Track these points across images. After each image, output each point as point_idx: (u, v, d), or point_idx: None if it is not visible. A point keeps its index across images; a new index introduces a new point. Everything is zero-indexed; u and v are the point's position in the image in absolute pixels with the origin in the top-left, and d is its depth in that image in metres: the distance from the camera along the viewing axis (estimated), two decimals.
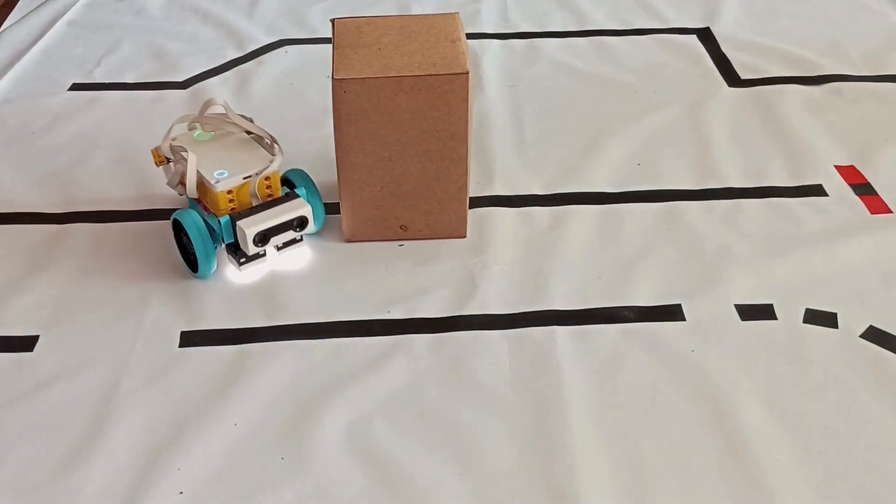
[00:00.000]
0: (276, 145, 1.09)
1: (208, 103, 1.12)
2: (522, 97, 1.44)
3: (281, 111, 1.41)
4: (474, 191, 1.21)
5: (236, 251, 1.05)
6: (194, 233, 1.03)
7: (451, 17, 1.12)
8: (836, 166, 1.26)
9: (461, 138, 1.06)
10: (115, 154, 1.31)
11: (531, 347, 0.99)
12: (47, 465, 0.87)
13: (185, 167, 1.05)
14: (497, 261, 1.10)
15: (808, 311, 1.03)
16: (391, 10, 1.70)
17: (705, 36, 1.61)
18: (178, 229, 1.07)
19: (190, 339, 1.00)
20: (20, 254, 1.12)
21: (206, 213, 1.07)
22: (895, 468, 0.86)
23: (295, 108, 1.41)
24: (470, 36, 1.55)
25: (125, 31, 1.63)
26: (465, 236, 1.14)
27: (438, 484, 0.85)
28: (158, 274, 1.09)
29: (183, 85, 1.47)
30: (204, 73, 1.50)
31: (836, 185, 1.23)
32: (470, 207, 1.15)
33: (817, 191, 1.22)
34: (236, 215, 1.03)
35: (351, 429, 0.90)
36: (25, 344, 1.00)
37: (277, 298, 1.05)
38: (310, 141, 1.33)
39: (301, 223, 1.05)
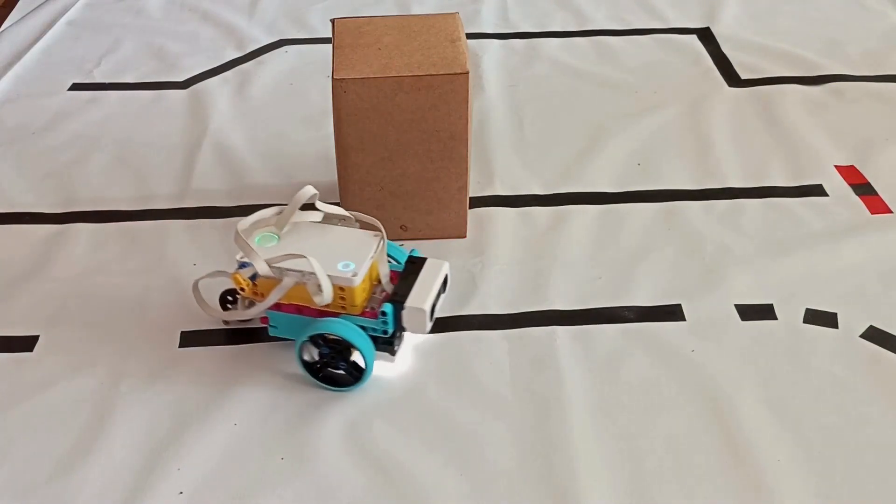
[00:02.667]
0: (355, 220, 0.98)
1: (302, 196, 0.95)
2: (522, 97, 1.44)
3: (281, 111, 1.41)
4: (474, 191, 1.21)
5: (391, 341, 0.93)
6: (363, 343, 0.90)
7: (451, 17, 1.12)
8: (836, 166, 1.26)
9: (461, 138, 1.06)
10: (115, 154, 1.31)
11: (531, 347, 0.99)
12: (47, 465, 0.87)
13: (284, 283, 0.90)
14: (497, 261, 1.10)
15: (808, 311, 1.03)
16: (391, 10, 1.70)
17: (705, 36, 1.61)
18: (315, 345, 0.92)
19: (190, 339, 1.00)
20: (20, 254, 1.12)
21: (325, 318, 0.92)
22: (895, 468, 0.86)
23: (295, 108, 1.41)
24: (470, 36, 1.55)
25: (125, 31, 1.63)
26: (465, 236, 1.14)
27: (438, 484, 0.85)
28: (158, 274, 1.09)
29: (183, 85, 1.47)
30: (204, 73, 1.50)
31: (837, 185, 1.23)
32: (470, 207, 1.15)
33: (817, 191, 1.22)
34: (393, 302, 0.91)
35: (351, 429, 0.90)
36: (25, 344, 1.00)
37: None
38: (310, 141, 1.33)
39: (446, 282, 0.95)
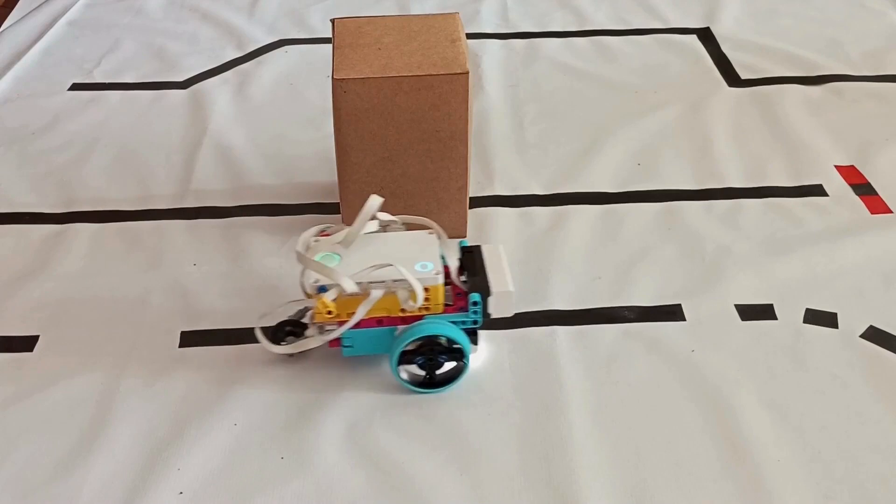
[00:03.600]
0: (401, 224, 0.97)
1: (371, 207, 0.93)
2: (522, 97, 1.44)
3: (281, 111, 1.41)
4: (474, 191, 1.21)
5: (475, 331, 0.94)
6: (462, 337, 0.91)
7: (451, 17, 1.12)
8: (836, 166, 1.26)
9: (461, 138, 1.06)
10: (115, 154, 1.31)
11: (531, 347, 0.99)
12: (47, 465, 0.87)
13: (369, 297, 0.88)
14: None
15: (808, 311, 1.03)
16: (391, 10, 1.70)
17: (705, 36, 1.61)
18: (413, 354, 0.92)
19: (190, 339, 1.00)
20: (20, 254, 1.12)
21: (411, 323, 0.92)
22: (895, 468, 0.86)
23: (295, 108, 1.41)
24: (470, 36, 1.55)
25: (125, 31, 1.63)
26: (465, 236, 1.14)
27: (438, 484, 0.85)
28: (158, 274, 1.09)
29: (183, 85, 1.47)
30: (204, 73, 1.50)
31: (837, 185, 1.23)
32: (470, 207, 1.15)
33: (817, 191, 1.22)
34: (480, 291, 0.91)
35: (351, 429, 0.90)
36: (25, 344, 1.00)
37: (277, 298, 1.05)
38: (310, 141, 1.33)
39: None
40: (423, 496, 0.84)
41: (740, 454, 0.87)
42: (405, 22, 1.11)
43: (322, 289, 0.89)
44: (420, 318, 0.92)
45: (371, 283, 0.89)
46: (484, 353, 0.97)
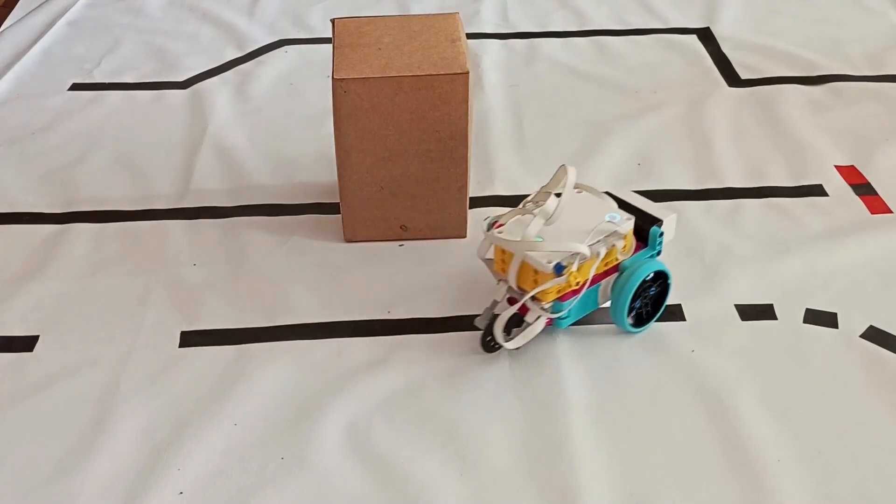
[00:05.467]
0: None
1: (571, 178, 0.93)
2: (522, 97, 1.44)
3: (281, 111, 1.41)
4: (474, 191, 1.21)
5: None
6: (665, 266, 0.98)
7: (451, 17, 1.12)
8: (836, 166, 1.26)
9: (461, 138, 1.06)
10: (115, 154, 1.31)
11: (531, 347, 0.99)
12: (47, 465, 0.87)
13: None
14: None
15: (808, 311, 1.03)
16: (391, 10, 1.70)
17: (705, 36, 1.61)
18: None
19: (190, 339, 1.00)
20: (20, 254, 1.12)
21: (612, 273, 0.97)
22: (895, 468, 0.86)
23: (295, 108, 1.41)
24: (470, 36, 1.55)
25: (125, 31, 1.63)
26: (465, 236, 1.14)
27: (438, 484, 0.85)
28: (158, 274, 1.09)
29: (183, 85, 1.47)
30: (204, 73, 1.50)
31: (836, 185, 1.23)
32: (470, 207, 1.15)
33: (817, 191, 1.22)
34: (655, 223, 0.97)
35: (351, 429, 0.90)
36: (25, 344, 1.00)
37: (277, 298, 1.05)
38: (310, 141, 1.33)
39: None
40: (423, 496, 0.84)
41: (740, 454, 0.87)
42: (405, 22, 1.11)
43: (558, 267, 0.90)
44: (614, 268, 0.96)
45: (595, 244, 0.93)
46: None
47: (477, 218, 1.17)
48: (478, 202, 1.20)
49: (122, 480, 0.85)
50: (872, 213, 1.18)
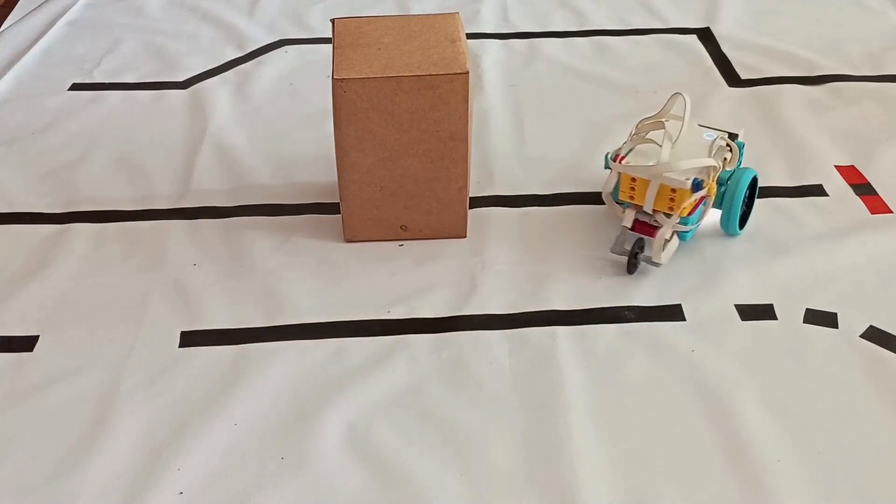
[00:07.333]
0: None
1: (684, 105, 1.08)
2: (522, 97, 1.44)
3: (281, 111, 1.41)
4: (474, 191, 1.21)
5: None
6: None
7: (451, 17, 1.12)
8: (836, 166, 1.26)
9: (461, 138, 1.06)
10: (115, 154, 1.31)
11: (531, 347, 0.99)
12: (47, 465, 0.87)
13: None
14: (497, 261, 1.10)
15: (808, 311, 1.03)
16: (391, 10, 1.70)
17: (705, 36, 1.61)
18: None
19: (190, 339, 1.00)
20: (20, 254, 1.12)
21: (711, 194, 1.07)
22: (895, 468, 0.86)
23: (295, 108, 1.41)
24: (470, 36, 1.55)
25: (125, 31, 1.63)
26: (465, 236, 1.14)
27: (438, 484, 0.85)
28: (158, 273, 1.09)
29: (183, 85, 1.47)
30: (204, 73, 1.50)
31: (837, 185, 1.23)
32: (470, 207, 1.15)
33: (817, 191, 1.22)
34: (734, 138, 1.09)
35: (351, 429, 0.90)
36: (25, 344, 1.00)
37: (277, 298, 1.05)
38: (310, 141, 1.33)
39: None
40: (423, 496, 0.84)
41: (740, 454, 0.87)
42: (405, 22, 1.11)
43: (696, 183, 1.01)
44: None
45: (715, 156, 1.05)
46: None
47: (477, 218, 1.17)
48: (478, 202, 1.20)
49: (122, 480, 0.85)
50: (872, 213, 1.18)
